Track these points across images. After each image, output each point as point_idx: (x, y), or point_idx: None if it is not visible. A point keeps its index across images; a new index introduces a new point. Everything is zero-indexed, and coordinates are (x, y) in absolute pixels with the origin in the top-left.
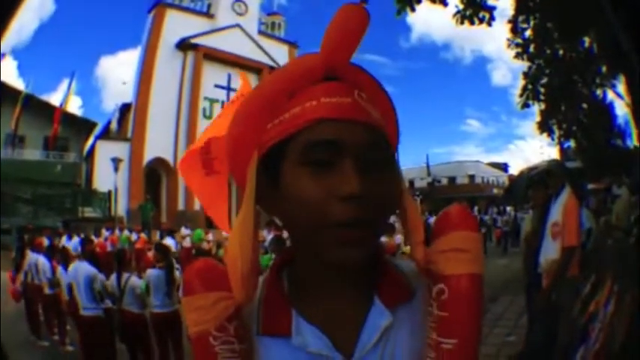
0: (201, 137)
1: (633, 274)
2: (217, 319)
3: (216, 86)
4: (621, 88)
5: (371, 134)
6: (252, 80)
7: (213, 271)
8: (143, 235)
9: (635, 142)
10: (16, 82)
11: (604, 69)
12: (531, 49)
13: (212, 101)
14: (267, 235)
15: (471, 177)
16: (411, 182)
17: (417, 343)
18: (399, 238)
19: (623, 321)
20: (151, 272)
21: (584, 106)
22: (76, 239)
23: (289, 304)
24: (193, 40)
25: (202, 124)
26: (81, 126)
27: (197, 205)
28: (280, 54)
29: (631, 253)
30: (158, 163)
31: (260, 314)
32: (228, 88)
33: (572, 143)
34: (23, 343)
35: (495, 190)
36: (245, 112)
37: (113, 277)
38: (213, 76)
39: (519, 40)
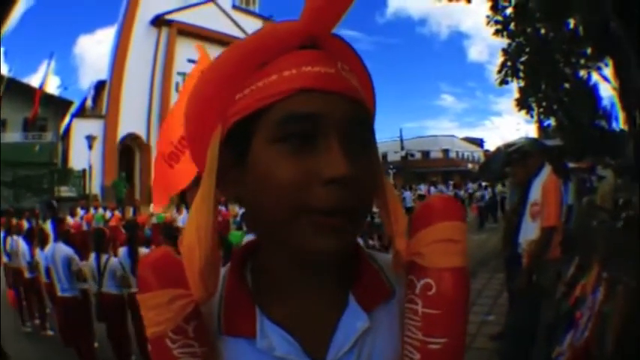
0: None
1: (624, 262)
2: (174, 321)
3: (189, 61)
4: (607, 71)
5: (356, 109)
6: None
7: (171, 264)
8: (117, 213)
9: (622, 126)
10: (2, 69)
11: (589, 51)
12: (512, 27)
13: (185, 76)
14: (240, 210)
15: (445, 151)
16: (384, 156)
17: (396, 346)
18: None
19: (616, 313)
20: (122, 250)
21: (566, 85)
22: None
23: (252, 302)
24: (168, 17)
25: (175, 99)
26: (58, 105)
27: None
28: (255, 28)
29: (619, 238)
30: (132, 139)
31: (221, 312)
32: None
33: (552, 121)
34: (9, 330)
35: (470, 166)
36: (210, 79)
37: (92, 257)
38: (186, 51)
39: (499, 18)
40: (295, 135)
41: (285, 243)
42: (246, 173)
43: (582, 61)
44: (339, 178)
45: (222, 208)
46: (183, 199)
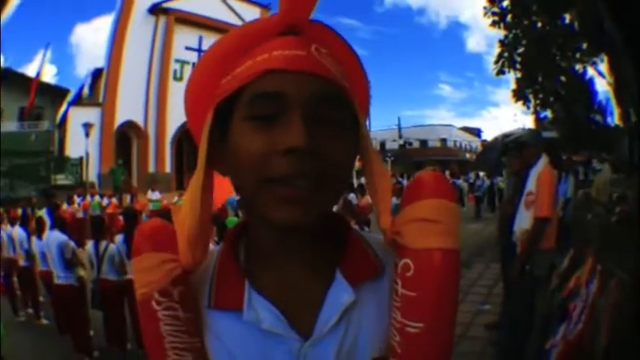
0: None
1: (618, 256)
2: (161, 282)
3: (187, 48)
4: (603, 66)
5: (324, 88)
6: None
7: (164, 231)
8: (114, 200)
9: (617, 121)
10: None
11: (585, 46)
12: (508, 18)
13: (183, 63)
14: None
15: (443, 141)
16: (382, 144)
17: (384, 324)
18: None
19: (609, 307)
20: (119, 238)
21: (563, 78)
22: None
23: (242, 276)
24: (165, 5)
25: (173, 86)
26: (55, 94)
27: (168, 168)
28: (252, 16)
29: (614, 232)
30: (129, 126)
31: (212, 286)
32: (199, 50)
33: (548, 113)
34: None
35: (468, 155)
36: (201, 67)
37: (90, 245)
38: (184, 38)
39: (496, 9)
40: (262, 112)
41: (255, 214)
42: (228, 149)
43: (578, 55)
44: (294, 148)
45: None
46: (181, 184)
